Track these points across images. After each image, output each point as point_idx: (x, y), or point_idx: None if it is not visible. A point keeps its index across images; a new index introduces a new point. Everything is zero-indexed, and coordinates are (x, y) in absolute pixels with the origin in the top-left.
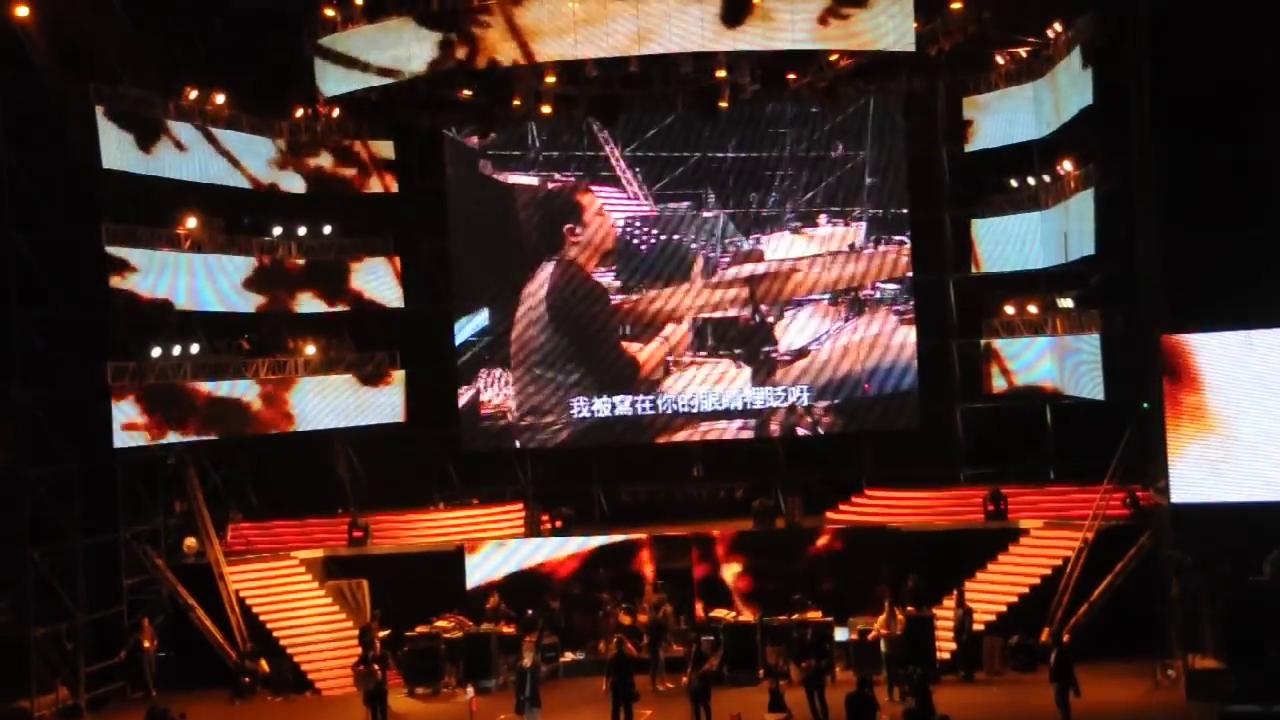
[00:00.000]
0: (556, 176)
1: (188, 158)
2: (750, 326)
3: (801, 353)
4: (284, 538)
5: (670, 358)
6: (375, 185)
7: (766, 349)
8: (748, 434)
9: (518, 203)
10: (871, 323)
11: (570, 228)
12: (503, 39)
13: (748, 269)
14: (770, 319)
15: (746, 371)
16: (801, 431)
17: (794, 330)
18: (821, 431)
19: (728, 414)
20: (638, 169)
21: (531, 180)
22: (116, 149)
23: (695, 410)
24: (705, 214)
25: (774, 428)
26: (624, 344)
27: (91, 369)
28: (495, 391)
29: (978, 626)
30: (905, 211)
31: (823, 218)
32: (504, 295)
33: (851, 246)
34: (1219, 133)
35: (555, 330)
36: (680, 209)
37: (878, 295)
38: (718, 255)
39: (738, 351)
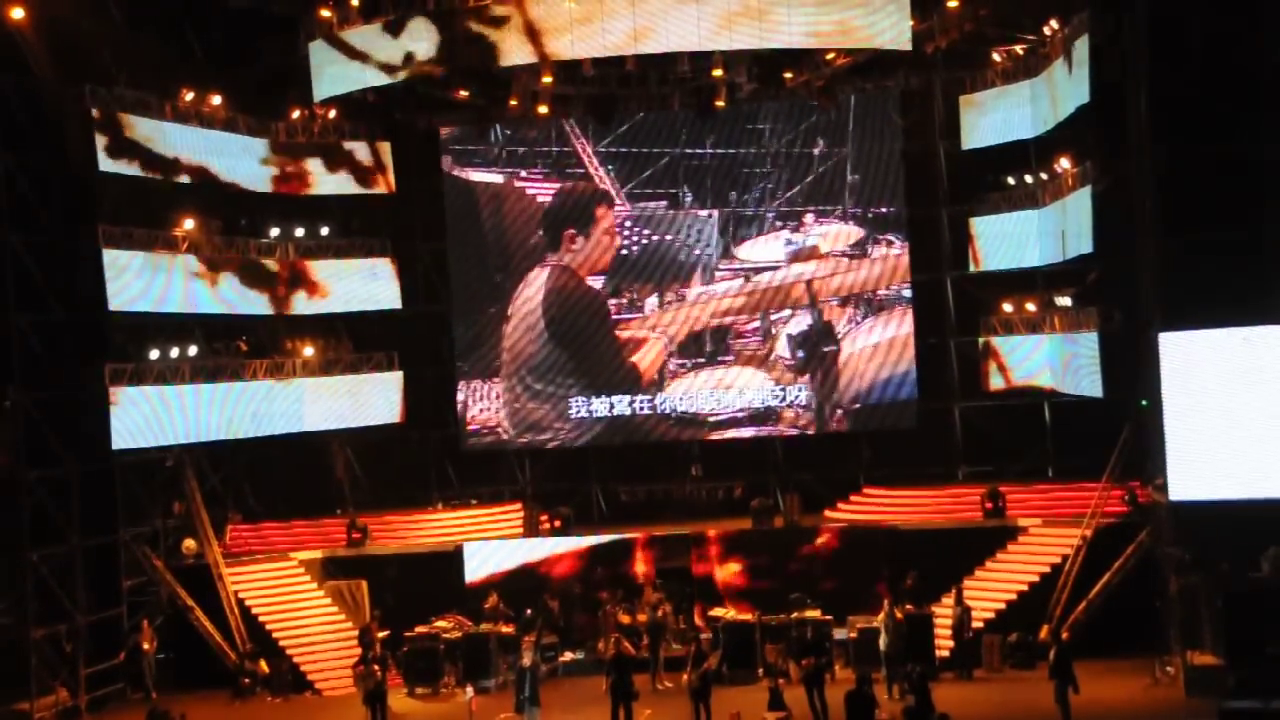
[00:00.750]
0: (522, 174)
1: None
2: (811, 328)
3: (814, 357)
4: (282, 539)
5: (669, 364)
6: (372, 186)
7: (827, 348)
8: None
9: (515, 205)
10: (874, 327)
11: (571, 234)
12: (513, 35)
13: (796, 270)
14: (778, 324)
15: (750, 374)
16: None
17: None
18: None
19: (735, 421)
20: (610, 166)
21: (495, 178)
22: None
23: (697, 413)
24: (699, 213)
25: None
26: (623, 351)
27: (89, 371)
28: (482, 405)
29: (977, 624)
30: (888, 210)
31: (809, 216)
32: (477, 303)
33: (856, 247)
34: (1216, 130)
35: (552, 340)
36: (656, 208)
37: (882, 297)
38: (713, 258)
39: (727, 358)
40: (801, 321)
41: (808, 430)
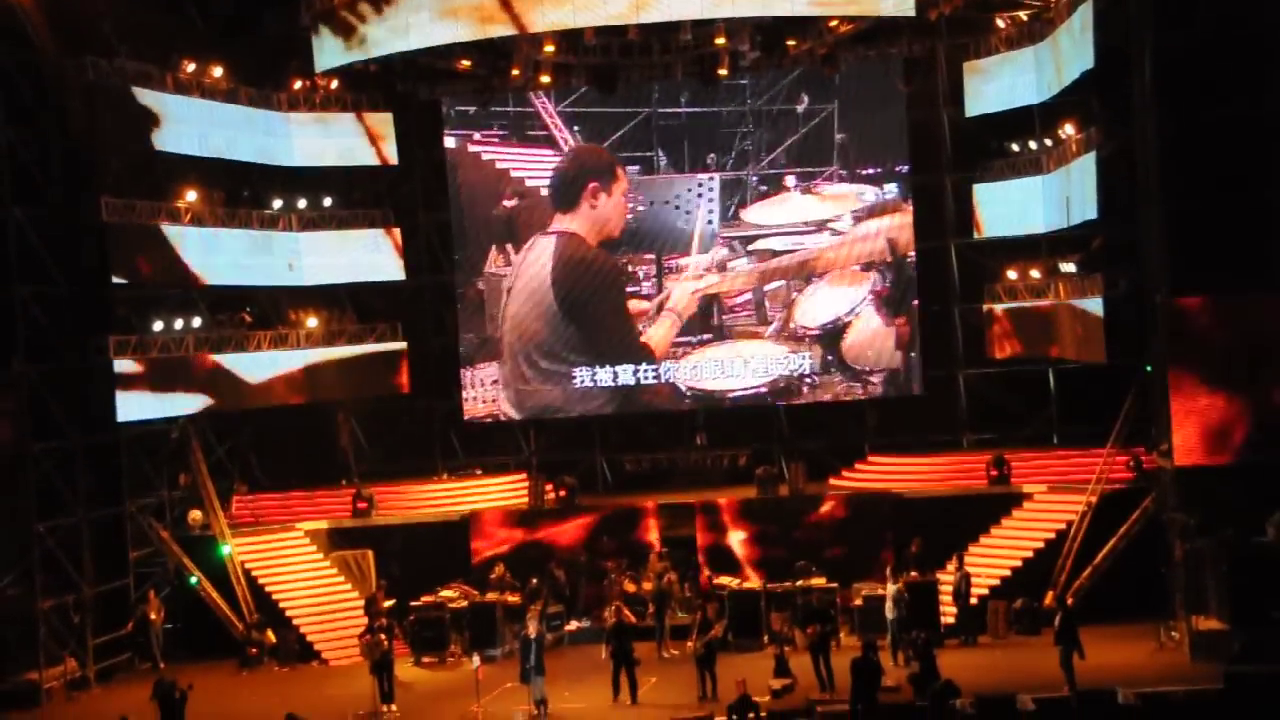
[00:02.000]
0: (476, 136)
1: (187, 131)
2: (891, 283)
3: (834, 327)
4: (288, 509)
5: (683, 337)
6: (374, 157)
7: (915, 300)
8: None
9: (473, 171)
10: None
11: (594, 188)
12: (498, 11)
13: (874, 225)
14: (796, 292)
15: (765, 345)
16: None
17: (820, 303)
18: (829, 399)
19: (747, 397)
20: (576, 127)
21: (447, 143)
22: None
23: (712, 388)
24: (699, 176)
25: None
26: (636, 324)
27: (93, 344)
28: (480, 393)
29: (983, 591)
30: (878, 170)
31: (788, 178)
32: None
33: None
34: (1221, 94)
35: (563, 314)
36: (630, 172)
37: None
38: (714, 225)
39: (734, 329)
40: (876, 282)
41: (878, 393)
